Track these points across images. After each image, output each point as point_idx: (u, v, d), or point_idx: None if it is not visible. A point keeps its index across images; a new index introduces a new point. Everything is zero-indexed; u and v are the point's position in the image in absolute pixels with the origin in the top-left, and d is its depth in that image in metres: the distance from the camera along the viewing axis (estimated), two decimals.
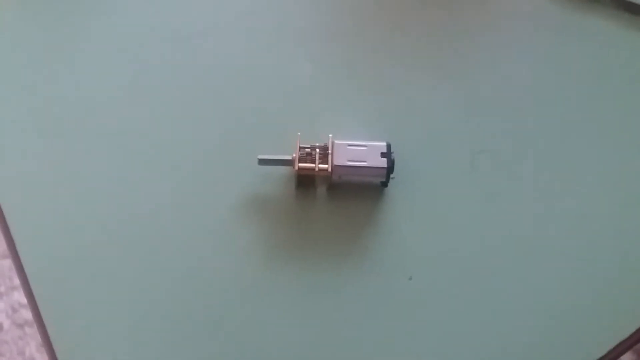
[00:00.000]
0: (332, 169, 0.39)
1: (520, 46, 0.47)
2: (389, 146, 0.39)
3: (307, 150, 0.39)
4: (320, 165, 0.39)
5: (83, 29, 0.47)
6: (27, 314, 0.91)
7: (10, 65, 0.45)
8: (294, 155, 0.39)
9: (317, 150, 0.39)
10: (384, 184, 0.40)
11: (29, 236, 0.39)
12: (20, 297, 0.92)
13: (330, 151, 0.39)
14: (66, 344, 0.37)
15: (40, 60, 0.45)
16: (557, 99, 0.44)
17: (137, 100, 0.44)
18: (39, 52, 0.46)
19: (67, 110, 0.43)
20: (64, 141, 0.42)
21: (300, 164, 0.39)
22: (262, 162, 0.40)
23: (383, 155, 0.39)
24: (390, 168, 0.38)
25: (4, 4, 0.48)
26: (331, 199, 0.40)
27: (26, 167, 0.41)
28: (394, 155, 0.39)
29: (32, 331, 0.91)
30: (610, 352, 0.37)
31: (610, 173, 0.42)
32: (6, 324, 0.94)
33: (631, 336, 0.37)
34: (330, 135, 0.39)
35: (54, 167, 0.41)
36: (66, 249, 0.39)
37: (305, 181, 0.40)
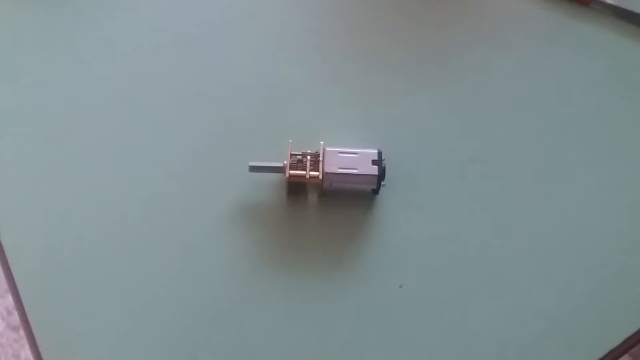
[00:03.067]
0: (323, 176, 0.38)
1: (513, 53, 0.47)
2: (379, 153, 0.39)
3: (298, 157, 0.39)
4: (312, 173, 0.39)
5: (72, 32, 0.47)
6: None
7: (3, 67, 0.45)
8: (285, 162, 0.39)
9: (309, 157, 0.39)
10: (375, 192, 0.40)
11: (17, 240, 0.39)
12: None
13: (321, 158, 0.39)
14: (54, 349, 0.37)
15: (33, 63, 0.45)
16: (549, 107, 0.44)
17: (127, 106, 0.44)
18: (33, 56, 0.46)
19: (56, 114, 0.43)
20: (53, 146, 0.42)
21: (291, 171, 0.39)
22: (253, 169, 0.40)
23: (374, 162, 0.39)
24: (381, 175, 0.38)
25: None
26: (322, 206, 0.40)
27: (15, 172, 0.41)
28: (385, 163, 0.39)
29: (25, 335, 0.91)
30: (606, 355, 0.37)
31: (603, 180, 0.42)
32: (1, 326, 0.94)
33: (627, 340, 0.37)
34: (321, 142, 0.39)
35: (43, 172, 0.41)
36: (55, 255, 0.39)
37: (296, 188, 0.40)
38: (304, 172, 0.39)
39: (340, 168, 0.39)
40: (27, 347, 0.95)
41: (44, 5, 0.48)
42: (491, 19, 0.48)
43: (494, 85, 0.45)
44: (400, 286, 0.38)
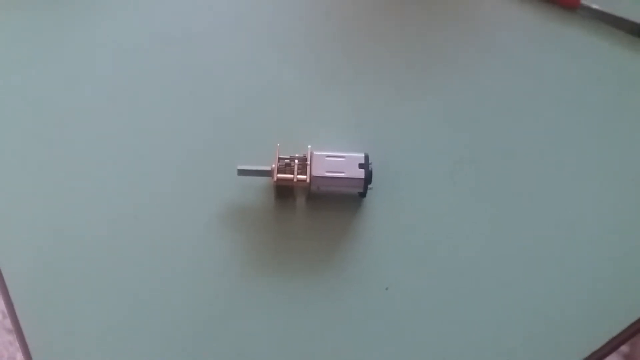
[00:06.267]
0: (310, 180, 0.39)
1: (500, 57, 0.47)
2: (366, 157, 0.39)
3: (286, 161, 0.40)
4: (299, 176, 0.39)
5: (66, 34, 0.47)
6: None
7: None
8: (273, 166, 0.39)
9: (296, 161, 0.40)
10: (362, 195, 0.40)
11: (7, 243, 0.40)
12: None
13: (308, 162, 0.39)
14: (46, 353, 0.37)
15: (28, 63, 0.46)
16: (536, 110, 0.45)
17: (116, 108, 0.44)
18: (25, 55, 0.46)
19: (45, 116, 0.44)
20: (43, 147, 0.43)
21: (279, 175, 0.39)
22: (242, 172, 0.40)
23: (361, 166, 0.39)
24: (368, 179, 0.39)
25: None
26: (310, 210, 0.41)
27: (3, 173, 0.42)
28: (372, 166, 0.39)
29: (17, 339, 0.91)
30: (594, 353, 0.37)
31: (589, 182, 0.42)
32: None
33: (615, 338, 0.37)
34: (309, 146, 0.40)
35: (33, 176, 0.42)
36: (46, 258, 0.39)
37: (284, 192, 0.41)
38: (291, 176, 0.39)
39: (327, 172, 0.39)
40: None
41: (41, 5, 0.49)
42: (479, 23, 0.49)
43: (483, 88, 0.46)
44: (387, 288, 0.38)
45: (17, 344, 0.93)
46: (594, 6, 0.48)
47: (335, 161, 0.39)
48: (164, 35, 0.47)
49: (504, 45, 0.48)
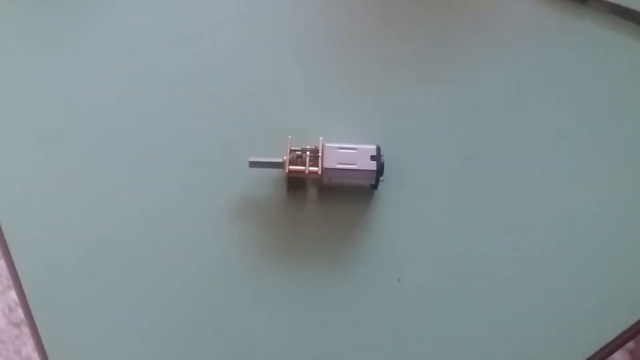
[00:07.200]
0: (322, 172, 0.39)
1: (511, 50, 0.47)
2: (378, 149, 0.39)
3: (297, 152, 0.40)
4: (311, 168, 0.39)
5: (71, 32, 0.47)
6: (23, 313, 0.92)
7: (3, 66, 0.46)
8: (285, 157, 0.39)
9: (308, 153, 0.40)
10: (374, 187, 0.40)
11: (21, 236, 0.40)
12: (16, 296, 0.93)
13: (320, 154, 0.39)
14: (58, 345, 0.37)
15: (32, 63, 0.46)
16: (547, 103, 0.45)
17: (128, 104, 0.44)
18: (30, 56, 0.46)
19: (58, 112, 0.44)
20: (56, 143, 0.43)
21: (291, 167, 0.39)
22: (253, 164, 0.40)
23: (373, 158, 0.39)
24: (379, 171, 0.39)
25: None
26: (321, 202, 0.41)
27: (18, 168, 0.42)
28: (384, 158, 0.39)
29: (29, 330, 0.91)
30: (601, 350, 0.37)
31: (600, 177, 0.42)
32: (2, 323, 0.94)
33: (622, 334, 0.37)
34: (320, 138, 0.40)
35: (46, 169, 0.42)
36: (59, 251, 0.39)
37: (295, 184, 0.41)
38: (303, 168, 0.39)
39: (339, 164, 0.39)
40: (28, 343, 0.95)
41: (43, 4, 0.49)
42: (489, 16, 0.49)
43: (493, 81, 0.45)
44: (399, 280, 0.39)
45: (23, 338, 0.93)
46: None
47: (347, 153, 0.39)
48: (175, 33, 0.47)
49: (515, 38, 0.47)
